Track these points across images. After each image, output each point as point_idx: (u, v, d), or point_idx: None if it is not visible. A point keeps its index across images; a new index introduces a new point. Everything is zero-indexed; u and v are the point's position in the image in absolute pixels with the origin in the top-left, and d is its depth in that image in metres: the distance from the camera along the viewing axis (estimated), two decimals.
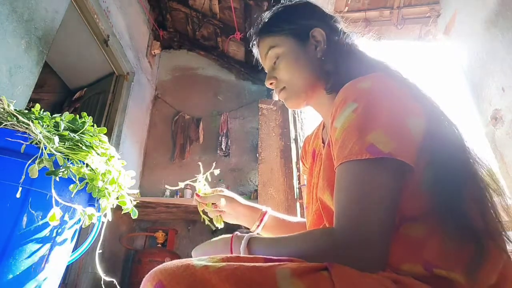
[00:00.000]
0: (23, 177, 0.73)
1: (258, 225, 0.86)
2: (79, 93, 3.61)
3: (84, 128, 0.89)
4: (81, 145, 0.83)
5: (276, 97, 2.97)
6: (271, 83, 0.77)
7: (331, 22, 0.75)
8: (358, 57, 0.70)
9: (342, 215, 0.49)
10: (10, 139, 0.75)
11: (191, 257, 0.55)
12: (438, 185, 0.50)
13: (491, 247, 0.47)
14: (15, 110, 0.80)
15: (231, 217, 0.89)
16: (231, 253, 0.60)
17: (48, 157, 0.75)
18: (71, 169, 0.79)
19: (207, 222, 0.91)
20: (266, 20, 0.78)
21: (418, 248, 0.48)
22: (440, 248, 0.47)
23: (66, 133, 0.83)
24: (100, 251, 0.98)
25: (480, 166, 0.55)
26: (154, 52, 4.02)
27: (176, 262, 0.45)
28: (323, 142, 0.78)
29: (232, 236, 0.62)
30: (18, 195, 0.74)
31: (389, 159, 0.48)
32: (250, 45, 0.83)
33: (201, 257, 0.46)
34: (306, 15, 0.75)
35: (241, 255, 0.54)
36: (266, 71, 0.80)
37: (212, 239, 0.69)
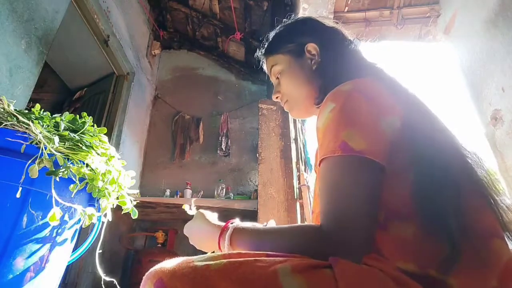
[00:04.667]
0: (23, 177, 0.73)
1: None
2: (79, 93, 3.61)
3: (84, 128, 0.89)
4: (81, 145, 0.83)
5: None
6: (276, 97, 0.84)
7: (326, 34, 0.80)
8: (354, 64, 0.73)
9: (326, 212, 0.51)
10: (10, 139, 0.75)
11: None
12: (419, 186, 0.51)
13: (465, 249, 0.46)
14: (15, 110, 0.80)
15: None
16: (219, 245, 0.61)
17: (48, 157, 0.75)
18: (71, 169, 0.79)
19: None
20: (269, 41, 0.86)
21: (408, 247, 0.48)
22: (428, 250, 0.47)
23: (66, 133, 0.83)
24: (100, 251, 0.98)
25: (472, 166, 0.55)
26: (154, 52, 4.02)
27: (177, 260, 0.45)
28: None
29: (222, 230, 0.62)
30: (18, 195, 0.74)
31: (361, 157, 0.50)
32: (260, 63, 0.91)
33: (201, 255, 0.46)
34: (301, 32, 0.81)
35: (227, 250, 0.57)
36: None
37: (206, 223, 0.69)
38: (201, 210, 0.75)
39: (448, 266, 0.45)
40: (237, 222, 0.64)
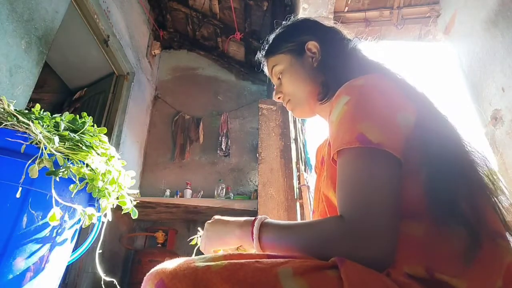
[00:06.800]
0: (23, 177, 0.74)
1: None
2: (79, 93, 3.61)
3: (84, 128, 0.89)
4: (81, 145, 0.83)
5: None
6: (278, 97, 0.84)
7: (325, 33, 0.80)
8: (356, 62, 0.73)
9: (348, 202, 0.49)
10: (10, 139, 0.75)
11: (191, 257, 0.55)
12: (432, 183, 0.50)
13: (485, 243, 0.46)
14: (15, 110, 0.80)
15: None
16: (252, 234, 0.58)
17: (48, 157, 0.75)
18: (71, 169, 0.79)
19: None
20: (269, 42, 0.86)
21: (418, 248, 0.47)
22: (440, 250, 0.47)
23: (66, 133, 0.83)
24: (100, 251, 0.98)
25: (478, 165, 0.55)
26: (154, 52, 4.02)
27: (178, 261, 0.45)
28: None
29: (253, 222, 0.60)
30: (18, 195, 0.74)
31: (380, 150, 0.49)
32: (261, 66, 0.91)
33: (202, 256, 0.46)
34: (301, 31, 0.82)
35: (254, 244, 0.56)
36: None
37: (233, 220, 0.66)
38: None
39: (463, 264, 0.45)
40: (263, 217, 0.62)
